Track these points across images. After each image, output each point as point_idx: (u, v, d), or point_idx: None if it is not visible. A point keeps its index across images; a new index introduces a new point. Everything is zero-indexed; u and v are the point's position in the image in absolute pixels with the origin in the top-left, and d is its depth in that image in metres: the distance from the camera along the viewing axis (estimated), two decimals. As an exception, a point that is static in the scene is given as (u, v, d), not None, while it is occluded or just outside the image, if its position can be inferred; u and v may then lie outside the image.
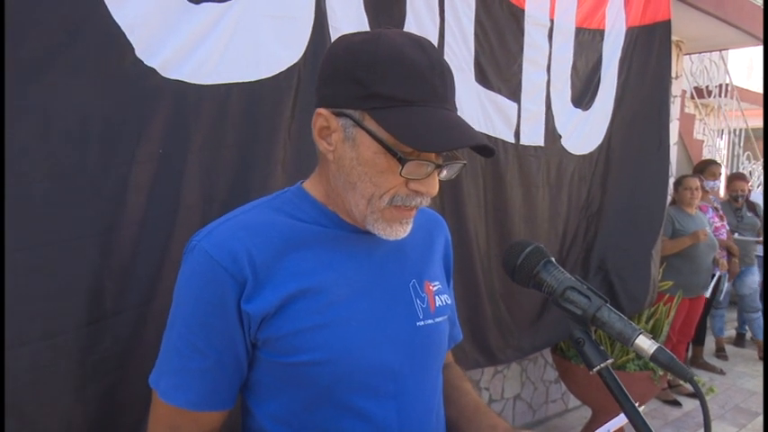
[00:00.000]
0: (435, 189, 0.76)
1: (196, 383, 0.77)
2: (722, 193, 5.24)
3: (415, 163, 0.72)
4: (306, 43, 1.39)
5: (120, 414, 1.14)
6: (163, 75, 1.14)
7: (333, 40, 1.45)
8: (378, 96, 0.71)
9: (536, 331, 2.46)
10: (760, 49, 5.07)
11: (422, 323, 0.84)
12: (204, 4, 1.19)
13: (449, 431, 0.92)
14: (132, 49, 1.10)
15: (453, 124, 0.72)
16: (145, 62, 1.12)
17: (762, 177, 6.59)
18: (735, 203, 4.60)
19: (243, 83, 1.26)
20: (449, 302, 0.91)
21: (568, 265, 2.62)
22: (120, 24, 1.08)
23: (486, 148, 0.74)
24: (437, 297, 0.88)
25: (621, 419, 0.76)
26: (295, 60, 1.37)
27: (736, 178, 4.70)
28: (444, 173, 0.77)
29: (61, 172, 1.02)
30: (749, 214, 4.61)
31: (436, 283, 0.89)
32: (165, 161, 1.16)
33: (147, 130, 1.13)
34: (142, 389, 1.13)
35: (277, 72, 1.33)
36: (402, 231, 0.78)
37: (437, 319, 0.86)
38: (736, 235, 4.43)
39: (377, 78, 0.70)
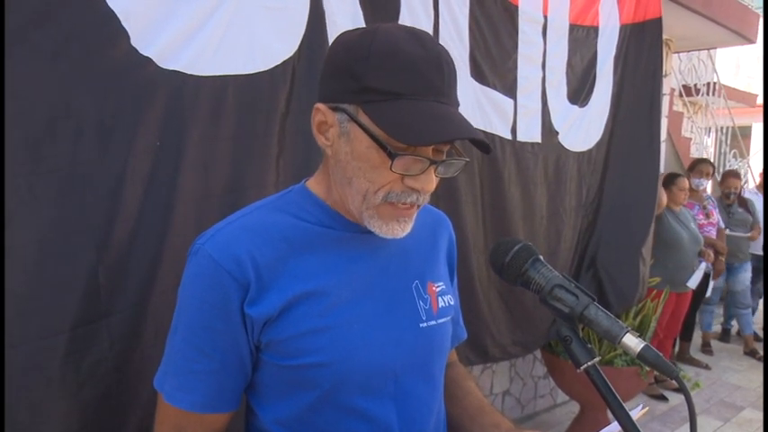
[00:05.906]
0: (431, 186, 0.74)
1: (200, 385, 0.76)
2: (709, 190, 5.28)
3: (410, 159, 0.71)
4: (301, 37, 1.36)
5: (120, 416, 1.11)
6: (159, 65, 1.11)
7: (332, 36, 1.46)
8: (370, 90, 0.69)
9: (540, 326, 2.45)
10: (747, 48, 5.11)
11: (425, 325, 0.83)
12: None
13: (452, 430, 0.91)
14: (128, 37, 1.06)
15: (444, 117, 0.69)
16: (140, 51, 1.08)
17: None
18: (726, 200, 4.63)
19: (239, 75, 1.23)
20: (452, 303, 0.90)
21: (567, 263, 2.60)
22: (114, 10, 1.04)
23: (481, 142, 0.72)
24: (440, 298, 0.87)
25: (615, 427, 0.75)
26: (290, 54, 1.34)
27: (729, 176, 4.75)
28: (441, 170, 0.74)
29: (50, 165, 0.98)
30: (740, 210, 4.64)
31: (440, 283, 0.88)
32: (163, 154, 1.12)
33: (144, 121, 1.09)
34: (141, 391, 1.11)
35: (272, 66, 1.30)
36: (400, 230, 0.76)
37: (440, 321, 0.85)
38: (727, 231, 4.43)
39: (369, 71, 0.69)
